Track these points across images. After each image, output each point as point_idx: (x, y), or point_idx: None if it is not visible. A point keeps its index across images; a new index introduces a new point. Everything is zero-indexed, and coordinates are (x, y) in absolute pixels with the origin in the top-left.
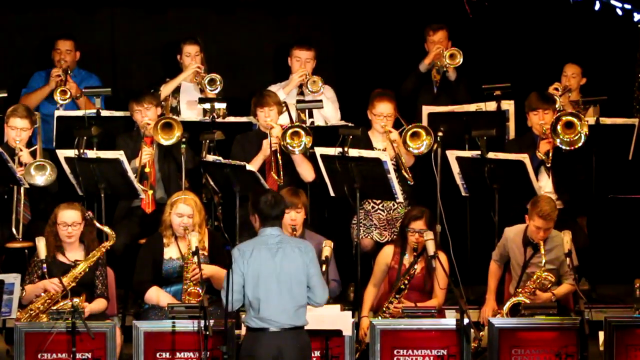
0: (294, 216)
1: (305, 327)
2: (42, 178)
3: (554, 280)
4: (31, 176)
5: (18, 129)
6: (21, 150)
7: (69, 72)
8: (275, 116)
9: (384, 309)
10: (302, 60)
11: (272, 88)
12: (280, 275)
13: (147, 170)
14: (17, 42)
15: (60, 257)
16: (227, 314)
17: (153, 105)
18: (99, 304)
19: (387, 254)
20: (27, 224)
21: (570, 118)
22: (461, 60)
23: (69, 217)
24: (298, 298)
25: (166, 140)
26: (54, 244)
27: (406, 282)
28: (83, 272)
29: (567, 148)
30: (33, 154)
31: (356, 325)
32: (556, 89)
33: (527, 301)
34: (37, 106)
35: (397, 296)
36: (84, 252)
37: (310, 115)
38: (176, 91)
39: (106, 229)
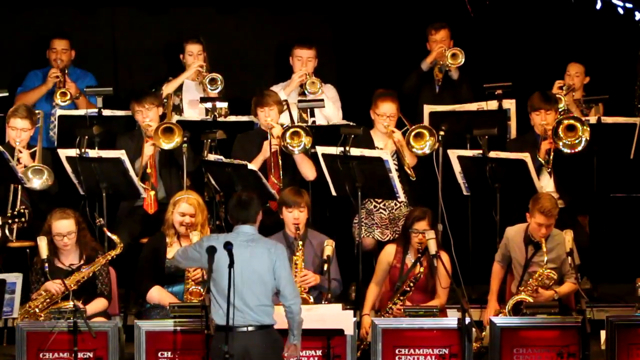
0: (297, 215)
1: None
2: (38, 182)
3: (555, 277)
4: (28, 179)
5: (18, 130)
6: (21, 152)
7: (65, 71)
8: (276, 116)
9: (387, 309)
10: (303, 59)
11: (275, 88)
12: (244, 273)
13: (148, 170)
14: (16, 40)
15: (57, 263)
16: (229, 313)
17: (154, 106)
18: (99, 304)
19: (389, 252)
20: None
21: (571, 121)
22: (463, 59)
23: (64, 228)
24: (261, 297)
25: (167, 144)
26: (51, 250)
27: (411, 284)
28: (87, 277)
29: (569, 151)
30: (33, 155)
31: (357, 324)
32: (560, 88)
33: (530, 299)
34: (33, 105)
35: (401, 298)
36: (79, 255)
37: (312, 115)
38: (179, 90)
39: (114, 237)
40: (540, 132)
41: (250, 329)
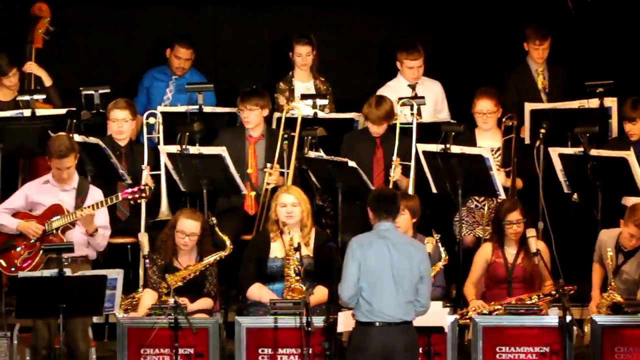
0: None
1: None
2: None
3: (621, 300)
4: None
5: (119, 120)
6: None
7: None
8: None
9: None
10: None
11: (383, 88)
12: (394, 270)
13: (249, 171)
14: (132, 40)
15: (175, 262)
16: (329, 310)
17: (258, 107)
18: (204, 302)
19: (486, 251)
20: (125, 221)
21: None
22: None
23: (188, 227)
24: (408, 294)
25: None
26: (172, 248)
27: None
28: (192, 274)
29: None
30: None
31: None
32: None
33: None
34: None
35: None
36: (195, 258)
37: (419, 113)
38: (290, 84)
39: (225, 238)
40: (634, 139)
41: (393, 324)
